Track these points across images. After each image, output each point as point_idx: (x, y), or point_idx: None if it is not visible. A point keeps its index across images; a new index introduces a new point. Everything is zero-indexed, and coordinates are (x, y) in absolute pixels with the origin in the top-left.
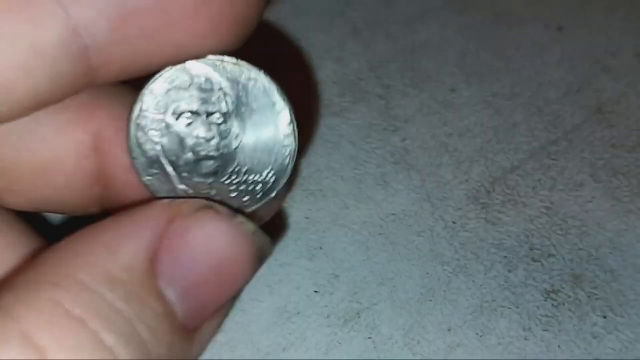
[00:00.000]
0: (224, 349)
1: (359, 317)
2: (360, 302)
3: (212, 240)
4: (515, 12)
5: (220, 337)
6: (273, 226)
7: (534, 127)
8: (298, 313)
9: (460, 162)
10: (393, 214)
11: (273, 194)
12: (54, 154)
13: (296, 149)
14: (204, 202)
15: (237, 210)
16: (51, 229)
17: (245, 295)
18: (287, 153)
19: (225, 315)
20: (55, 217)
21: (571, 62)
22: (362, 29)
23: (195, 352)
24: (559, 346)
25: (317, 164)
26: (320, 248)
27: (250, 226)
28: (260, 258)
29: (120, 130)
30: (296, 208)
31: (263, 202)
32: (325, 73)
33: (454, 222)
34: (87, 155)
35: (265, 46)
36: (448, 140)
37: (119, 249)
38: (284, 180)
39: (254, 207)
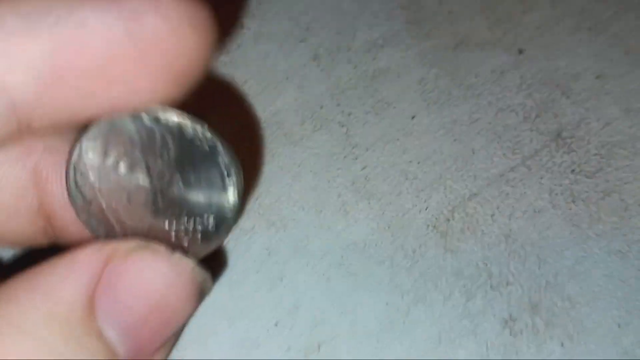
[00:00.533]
0: None
1: (319, 349)
2: (321, 334)
3: (149, 279)
4: (476, 36)
5: None
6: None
7: (493, 153)
8: (258, 346)
9: (420, 190)
10: (353, 244)
11: (213, 242)
12: None
13: (239, 202)
14: (140, 242)
15: (175, 247)
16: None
17: (204, 328)
18: (229, 206)
19: (169, 350)
20: (6, 253)
21: (531, 86)
22: (323, 55)
23: None
24: None
25: (277, 194)
26: (281, 279)
27: (188, 263)
28: (200, 293)
29: (57, 165)
30: (257, 239)
31: (203, 246)
32: (286, 100)
33: (413, 251)
34: (27, 191)
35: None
36: (408, 168)
37: (56, 292)
38: (225, 229)
39: (194, 251)
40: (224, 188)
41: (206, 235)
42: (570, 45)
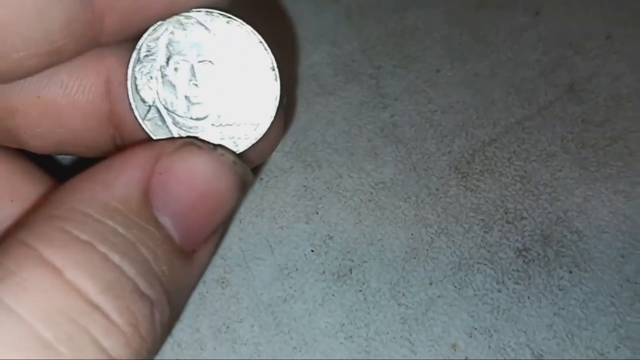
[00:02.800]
0: (231, 301)
1: (350, 273)
2: (352, 260)
3: (195, 172)
4: None
5: (227, 291)
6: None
7: (511, 104)
8: (296, 270)
9: (443, 135)
10: (382, 183)
11: (259, 136)
12: (72, 99)
13: (279, 95)
14: (185, 139)
15: (220, 146)
16: (62, 170)
17: (248, 253)
18: (270, 98)
19: (219, 241)
20: (64, 159)
21: (547, 44)
22: (354, 14)
23: (195, 273)
24: (528, 297)
25: (313, 138)
26: (317, 213)
27: (230, 157)
28: (242, 186)
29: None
30: (294, 177)
31: (251, 144)
32: (320, 55)
33: (436, 190)
34: (100, 98)
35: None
36: (433, 116)
37: (113, 184)
38: (267, 124)
39: (242, 149)
40: (265, 86)
41: (252, 133)
42: (583, 7)
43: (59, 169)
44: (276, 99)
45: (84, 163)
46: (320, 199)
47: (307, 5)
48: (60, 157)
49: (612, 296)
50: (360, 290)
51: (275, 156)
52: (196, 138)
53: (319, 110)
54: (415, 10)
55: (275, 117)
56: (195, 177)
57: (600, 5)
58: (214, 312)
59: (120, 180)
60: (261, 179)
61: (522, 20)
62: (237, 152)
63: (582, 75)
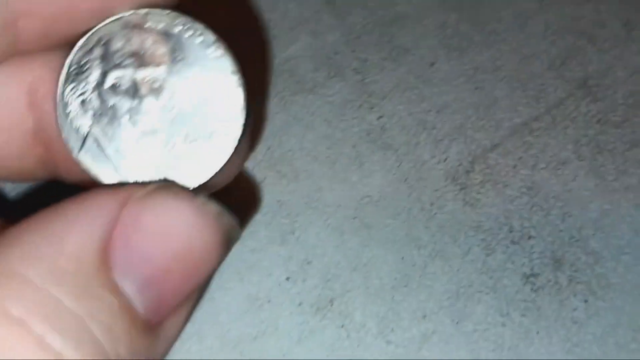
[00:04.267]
0: (192, 339)
1: (331, 304)
2: (333, 290)
3: (172, 225)
4: None
5: (188, 328)
6: (243, 204)
7: (516, 102)
8: (269, 301)
9: (438, 140)
10: (368, 196)
11: (225, 160)
12: None
13: (245, 101)
14: (159, 183)
15: (197, 190)
16: (10, 206)
17: (213, 282)
18: (234, 107)
19: (193, 306)
20: (10, 191)
21: (556, 33)
22: (337, 0)
23: (161, 349)
24: (537, 332)
25: (289, 144)
26: (293, 233)
27: (214, 207)
28: (227, 242)
29: (56, 83)
30: (268, 191)
31: (217, 168)
32: (299, 47)
33: (431, 204)
34: (21, 112)
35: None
36: (426, 117)
37: (66, 239)
38: (234, 142)
39: (207, 177)
40: (228, 93)
41: (217, 153)
42: None
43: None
44: (242, 107)
45: (37, 194)
46: (297, 216)
47: None
48: (6, 189)
49: (634, 330)
50: (342, 326)
51: (245, 165)
52: (171, 182)
53: (296, 112)
54: None
55: (243, 129)
56: (170, 230)
57: None
58: (172, 353)
59: (73, 233)
60: None
61: (527, 6)
62: (203, 182)
63: (597, 69)
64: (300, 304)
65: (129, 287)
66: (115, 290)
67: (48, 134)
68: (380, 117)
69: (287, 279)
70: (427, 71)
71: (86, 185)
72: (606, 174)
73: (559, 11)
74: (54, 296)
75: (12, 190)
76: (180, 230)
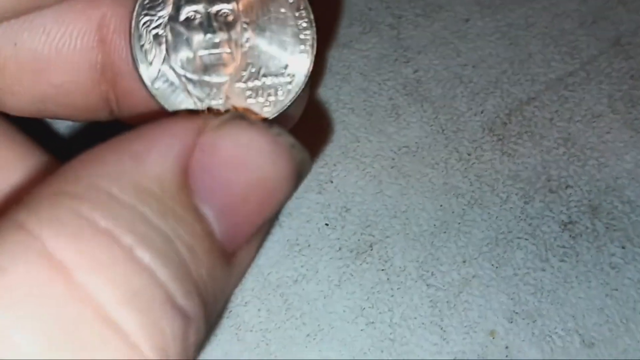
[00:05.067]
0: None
1: (371, 249)
2: (373, 235)
3: (248, 154)
4: None
5: None
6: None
7: (551, 58)
8: (309, 246)
9: (475, 93)
10: (405, 147)
11: (296, 94)
12: (56, 47)
13: (314, 39)
14: (234, 112)
15: (270, 121)
16: (60, 146)
17: None
18: (304, 47)
19: (262, 240)
20: (64, 130)
21: None
22: None
23: (234, 281)
24: (576, 277)
25: (326, 97)
26: (331, 182)
27: (288, 139)
28: (299, 174)
29: (126, 19)
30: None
31: (285, 105)
32: (333, 2)
33: (468, 154)
34: (91, 48)
35: None
36: (462, 72)
37: (147, 158)
38: (304, 76)
39: (276, 113)
40: (298, 32)
41: (286, 92)
42: None
43: (59, 146)
44: (312, 46)
45: (88, 135)
46: (335, 165)
47: None
48: (61, 131)
49: None
50: (382, 269)
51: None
52: (246, 111)
53: (332, 65)
54: None
55: (311, 65)
56: (247, 159)
57: None
58: None
59: (154, 154)
60: None
61: None
62: (273, 114)
63: (628, 28)
64: (339, 249)
65: (208, 212)
66: (197, 213)
67: (116, 69)
68: (416, 71)
69: (326, 224)
70: (461, 27)
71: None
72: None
73: None
74: (140, 211)
75: (63, 129)
76: (256, 159)
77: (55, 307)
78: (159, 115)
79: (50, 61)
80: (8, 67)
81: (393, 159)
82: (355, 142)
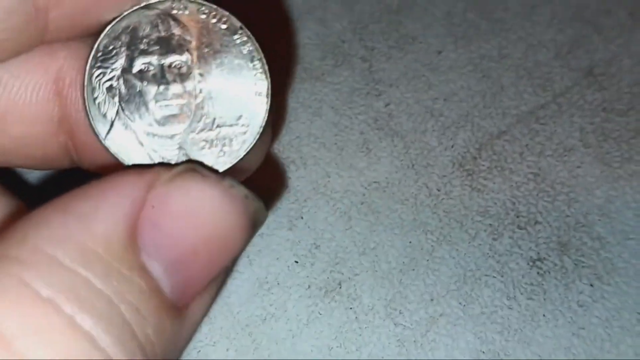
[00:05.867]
0: (203, 321)
1: (340, 287)
2: (342, 273)
3: (199, 207)
4: None
5: None
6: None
7: (523, 90)
8: (278, 284)
9: (445, 127)
10: (376, 182)
11: (250, 144)
12: (13, 99)
13: (269, 89)
14: (186, 164)
15: (223, 173)
16: (30, 191)
17: None
18: (259, 95)
19: (218, 290)
20: (33, 177)
21: (562, 21)
22: None
23: (186, 333)
24: (544, 315)
25: (297, 131)
26: (301, 218)
27: (241, 190)
28: (253, 225)
29: (81, 72)
30: (276, 177)
31: (240, 156)
32: (307, 35)
33: (438, 190)
34: (48, 100)
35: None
36: (433, 105)
37: (94, 219)
38: (259, 127)
39: (229, 164)
40: (253, 80)
41: (241, 142)
42: None
43: (27, 190)
44: (267, 95)
45: (57, 181)
46: (305, 201)
47: None
48: (27, 175)
49: (639, 313)
50: (351, 308)
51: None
52: (199, 163)
53: (304, 99)
54: None
55: (267, 115)
56: (198, 212)
57: None
58: None
59: (101, 213)
60: None
61: None
62: (228, 164)
63: (603, 57)
64: (309, 287)
65: (156, 269)
66: (143, 271)
67: (72, 122)
68: (388, 104)
69: (296, 262)
70: (434, 59)
71: (108, 173)
72: (611, 161)
73: (565, 0)
74: (83, 276)
75: (32, 176)
76: (208, 212)
77: None
78: (117, 166)
79: (8, 113)
80: None
81: (363, 194)
82: (326, 177)
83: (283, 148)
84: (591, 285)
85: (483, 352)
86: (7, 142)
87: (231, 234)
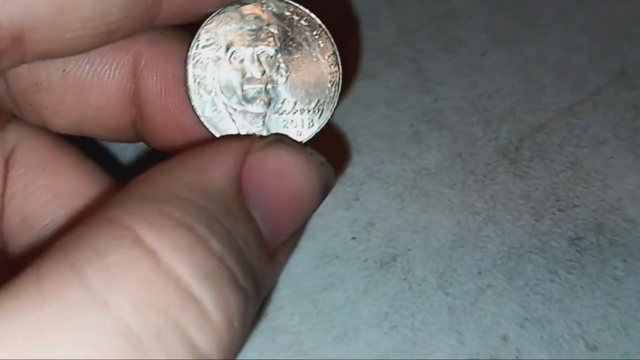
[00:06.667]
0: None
1: (394, 261)
2: (396, 248)
3: (287, 169)
4: None
5: None
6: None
7: (561, 88)
8: (337, 257)
9: (490, 121)
10: (426, 169)
11: (323, 123)
12: (97, 75)
13: (340, 79)
14: (275, 136)
15: (304, 144)
16: (123, 171)
17: None
18: (332, 83)
19: (294, 245)
20: (125, 158)
21: (595, 29)
22: None
23: (275, 276)
24: (582, 288)
25: (352, 124)
26: (357, 199)
27: (319, 157)
28: (326, 188)
29: (157, 56)
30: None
31: (314, 132)
32: (359, 39)
33: (484, 176)
34: (126, 77)
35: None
36: (478, 101)
37: (210, 170)
38: (331, 109)
39: (307, 138)
40: (327, 70)
41: (315, 121)
42: None
43: (119, 170)
44: (338, 84)
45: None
46: (361, 185)
47: None
48: (121, 155)
49: None
50: (404, 279)
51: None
52: (283, 136)
53: (358, 95)
54: None
55: (336, 103)
56: (286, 174)
57: None
58: None
59: (216, 168)
60: None
61: (568, 3)
62: (305, 139)
63: (634, 60)
64: (365, 261)
65: (256, 215)
66: (249, 215)
67: (142, 98)
68: (436, 100)
69: (353, 238)
70: (478, 61)
71: (168, 148)
72: None
73: (597, 9)
74: (209, 211)
75: (124, 157)
76: (294, 173)
77: (145, 281)
78: (178, 136)
79: (91, 86)
80: (55, 89)
81: (414, 179)
82: (380, 164)
83: (339, 138)
84: (624, 261)
85: (527, 320)
86: (88, 111)
87: (310, 192)
